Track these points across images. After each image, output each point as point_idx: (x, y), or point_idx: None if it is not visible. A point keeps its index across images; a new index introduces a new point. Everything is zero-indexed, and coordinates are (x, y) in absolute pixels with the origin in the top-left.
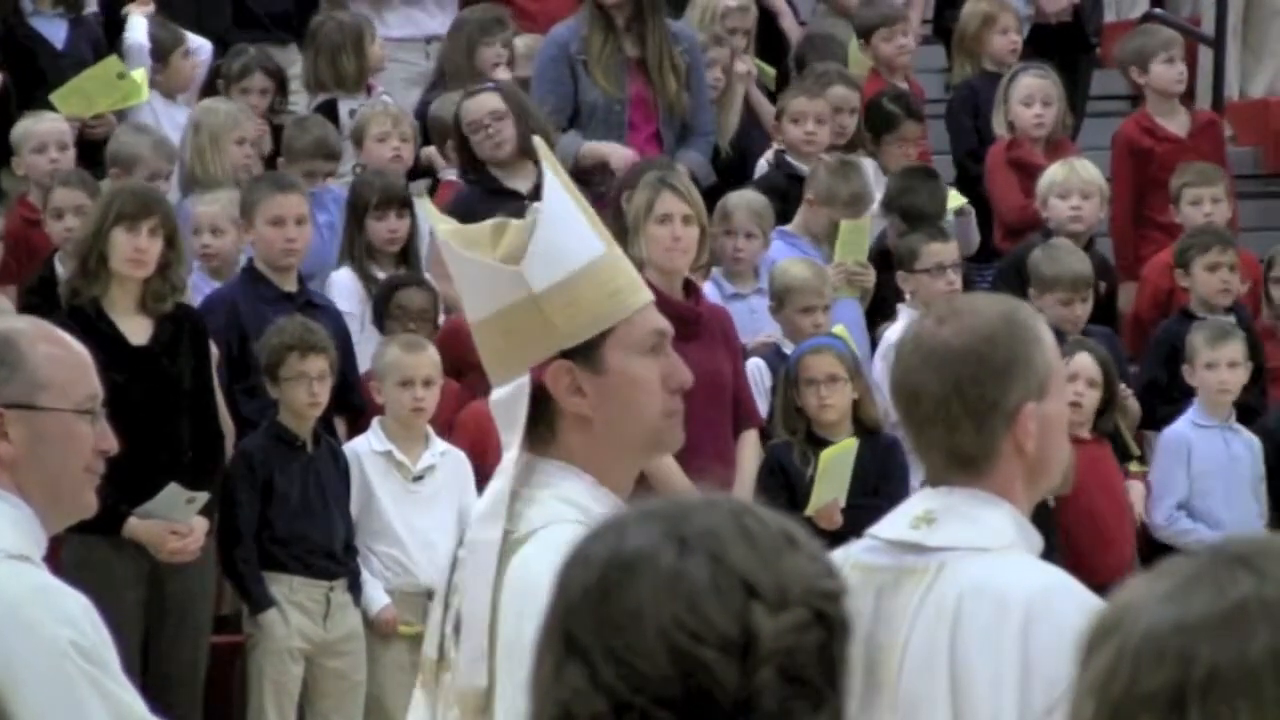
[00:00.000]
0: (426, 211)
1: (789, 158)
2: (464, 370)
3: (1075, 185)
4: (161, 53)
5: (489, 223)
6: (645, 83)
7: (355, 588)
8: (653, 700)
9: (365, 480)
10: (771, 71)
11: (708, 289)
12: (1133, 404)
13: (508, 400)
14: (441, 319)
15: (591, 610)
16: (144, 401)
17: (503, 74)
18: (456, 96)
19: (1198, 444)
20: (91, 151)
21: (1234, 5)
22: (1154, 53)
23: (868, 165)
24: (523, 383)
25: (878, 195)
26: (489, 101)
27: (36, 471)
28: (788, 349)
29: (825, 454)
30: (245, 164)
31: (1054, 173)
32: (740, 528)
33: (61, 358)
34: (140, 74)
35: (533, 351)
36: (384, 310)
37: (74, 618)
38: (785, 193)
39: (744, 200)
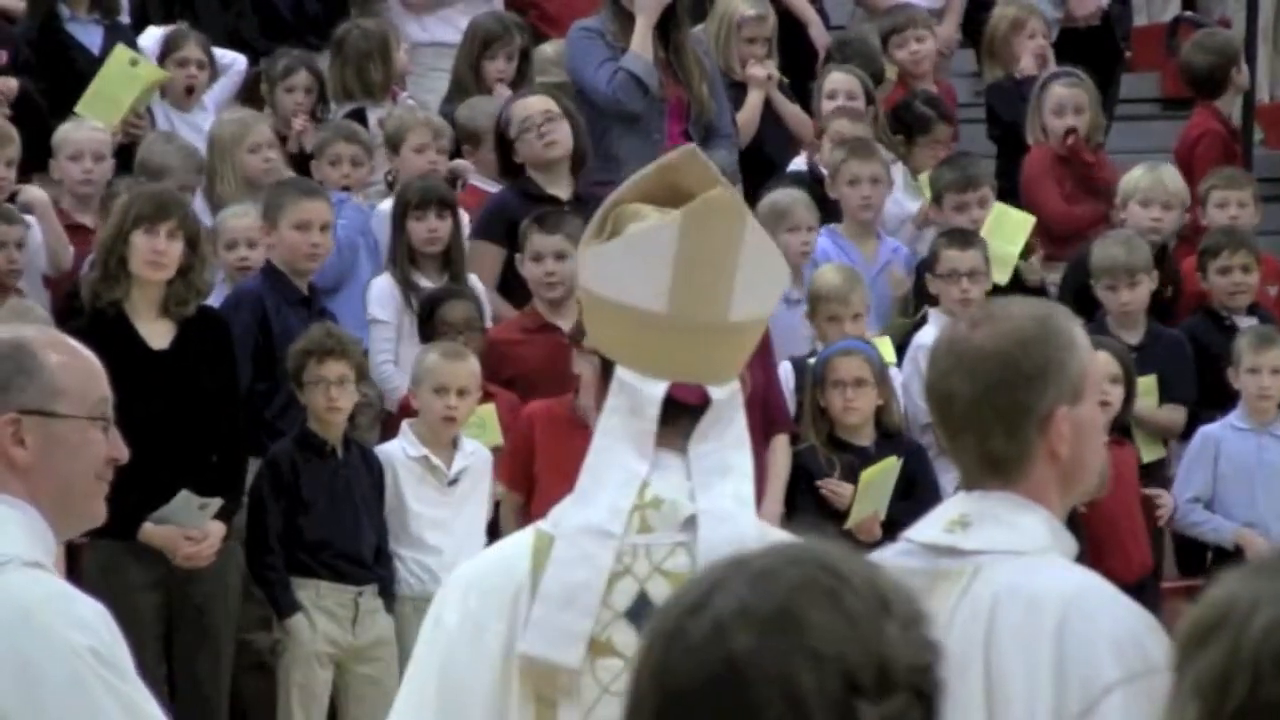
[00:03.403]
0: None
1: (822, 168)
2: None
3: (1159, 196)
4: (161, 55)
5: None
6: (674, 83)
7: (388, 593)
8: None
9: (397, 487)
10: (784, 80)
11: None
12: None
13: (729, 400)
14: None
15: (692, 703)
16: (164, 406)
17: (504, 90)
18: (482, 101)
19: (1227, 444)
20: (128, 158)
21: (1263, 8)
22: (1240, 50)
23: (897, 171)
24: (738, 385)
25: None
26: (542, 101)
27: (50, 478)
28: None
29: (865, 474)
30: (264, 168)
31: (1138, 178)
32: (833, 599)
33: (75, 365)
34: (148, 67)
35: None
36: (428, 325)
37: (90, 623)
38: (811, 193)
39: (791, 198)
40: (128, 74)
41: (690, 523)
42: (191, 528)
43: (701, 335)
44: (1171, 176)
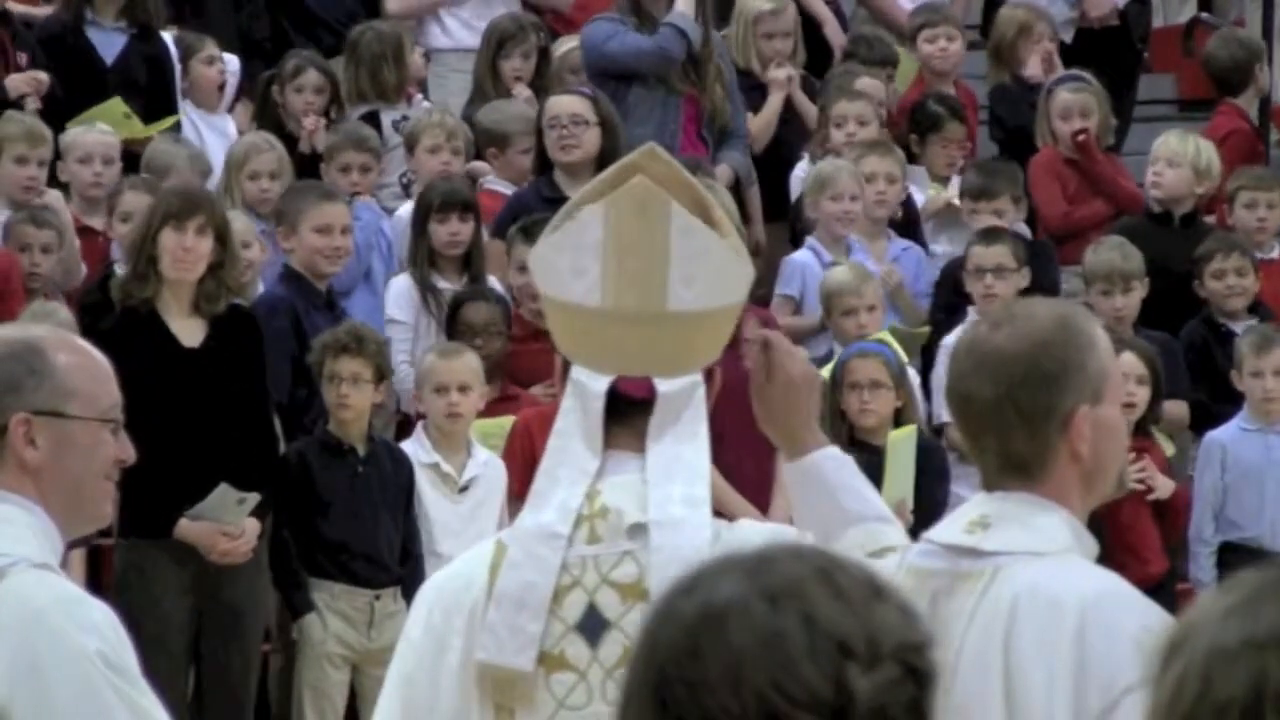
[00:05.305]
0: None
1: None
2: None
3: (1163, 153)
4: (182, 60)
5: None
6: (691, 85)
7: (411, 595)
8: None
9: (414, 490)
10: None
11: (805, 257)
12: (1174, 407)
13: (679, 394)
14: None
15: (684, 670)
16: (195, 404)
17: (522, 89)
18: (503, 104)
19: (1234, 447)
20: (134, 160)
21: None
22: (1264, 48)
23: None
24: (697, 380)
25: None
26: (574, 104)
27: (61, 479)
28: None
29: (892, 436)
30: (260, 199)
31: (1159, 139)
32: (827, 580)
33: (87, 367)
34: (138, 125)
35: (715, 352)
36: (452, 327)
37: (98, 626)
38: None
39: (835, 166)
40: (119, 123)
41: (636, 530)
42: (228, 524)
43: (639, 326)
44: (1182, 139)
